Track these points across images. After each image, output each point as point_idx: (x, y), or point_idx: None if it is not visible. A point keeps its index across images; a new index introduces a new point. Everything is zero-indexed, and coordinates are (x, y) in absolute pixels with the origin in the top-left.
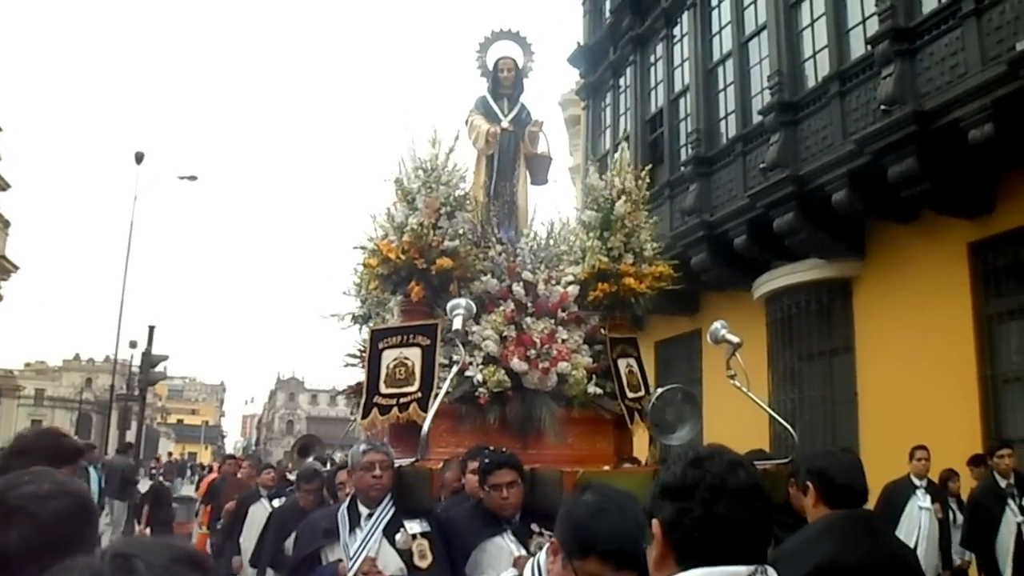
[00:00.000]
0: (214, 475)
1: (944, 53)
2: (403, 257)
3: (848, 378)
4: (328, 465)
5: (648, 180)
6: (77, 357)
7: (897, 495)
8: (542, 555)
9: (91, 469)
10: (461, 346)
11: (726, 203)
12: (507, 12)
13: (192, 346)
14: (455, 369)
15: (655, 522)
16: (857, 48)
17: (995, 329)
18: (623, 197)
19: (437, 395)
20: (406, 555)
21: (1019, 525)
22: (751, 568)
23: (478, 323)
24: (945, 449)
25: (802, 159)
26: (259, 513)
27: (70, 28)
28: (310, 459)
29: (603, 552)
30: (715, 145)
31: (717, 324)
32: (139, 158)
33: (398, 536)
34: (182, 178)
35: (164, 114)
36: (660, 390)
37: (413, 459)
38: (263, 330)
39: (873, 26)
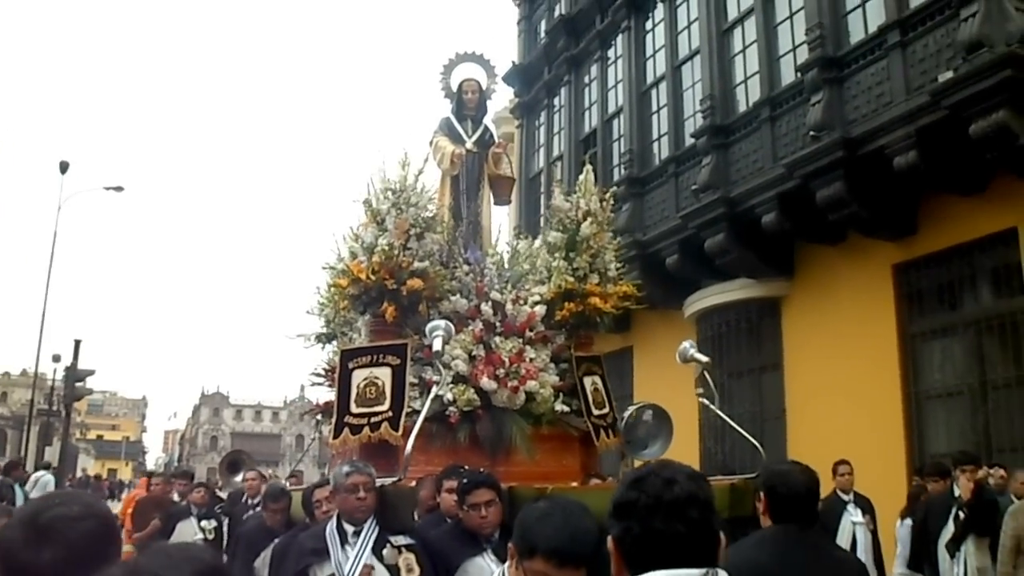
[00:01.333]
0: (137, 491)
1: (871, 82)
2: (373, 277)
3: (777, 395)
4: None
5: (613, 201)
6: None
7: (828, 512)
8: (506, 565)
9: (17, 487)
10: (441, 367)
11: (658, 223)
12: (443, 29)
13: (113, 359)
14: (434, 390)
15: (609, 538)
16: (787, 75)
17: (919, 347)
18: (589, 219)
19: (415, 416)
20: (394, 570)
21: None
22: (703, 570)
23: (447, 343)
24: (871, 464)
25: (733, 181)
26: (187, 531)
27: None
28: (239, 476)
29: (544, 551)
30: (648, 166)
31: (686, 344)
32: (64, 167)
33: (385, 551)
34: (108, 188)
35: (91, 123)
36: (632, 407)
37: (395, 478)
38: (187, 344)
39: (803, 54)
